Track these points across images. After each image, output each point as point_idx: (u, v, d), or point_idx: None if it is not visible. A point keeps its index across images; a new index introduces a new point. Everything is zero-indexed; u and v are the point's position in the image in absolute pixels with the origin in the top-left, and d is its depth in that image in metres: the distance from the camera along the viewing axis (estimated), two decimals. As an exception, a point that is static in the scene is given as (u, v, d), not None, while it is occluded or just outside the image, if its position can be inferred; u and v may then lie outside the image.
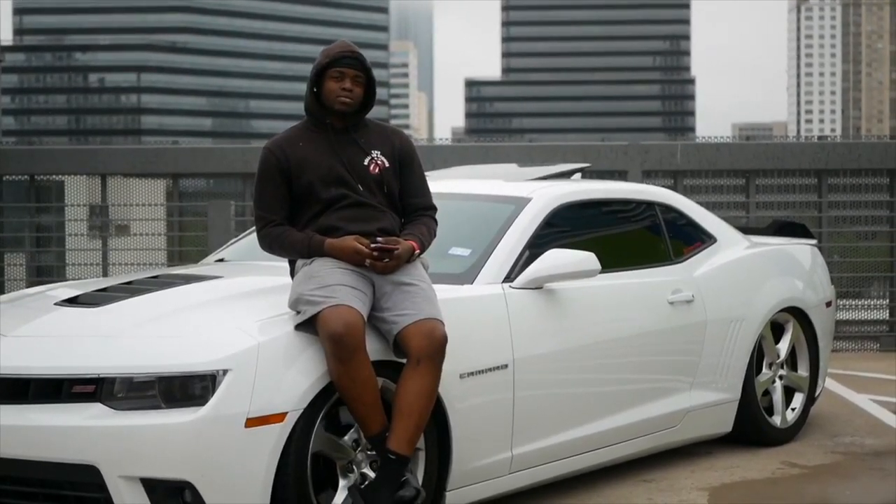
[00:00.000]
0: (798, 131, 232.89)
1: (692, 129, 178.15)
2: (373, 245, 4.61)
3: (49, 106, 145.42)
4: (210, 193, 11.81)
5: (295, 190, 4.80)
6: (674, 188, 10.35)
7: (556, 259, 5.38)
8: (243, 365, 4.31)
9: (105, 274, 11.25)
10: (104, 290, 5.19)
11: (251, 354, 4.34)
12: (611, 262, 5.78)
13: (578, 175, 6.78)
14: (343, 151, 4.81)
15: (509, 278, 5.36)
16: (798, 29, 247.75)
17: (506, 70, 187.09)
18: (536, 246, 5.56)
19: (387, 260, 4.62)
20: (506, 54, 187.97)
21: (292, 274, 4.83)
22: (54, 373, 4.39)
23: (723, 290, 6.45)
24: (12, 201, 11.92)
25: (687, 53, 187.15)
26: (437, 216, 5.02)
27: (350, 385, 4.40)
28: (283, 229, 4.79)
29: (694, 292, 6.24)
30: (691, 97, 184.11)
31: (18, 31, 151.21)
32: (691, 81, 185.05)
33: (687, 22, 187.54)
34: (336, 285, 4.52)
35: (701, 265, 6.47)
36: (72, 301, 5.03)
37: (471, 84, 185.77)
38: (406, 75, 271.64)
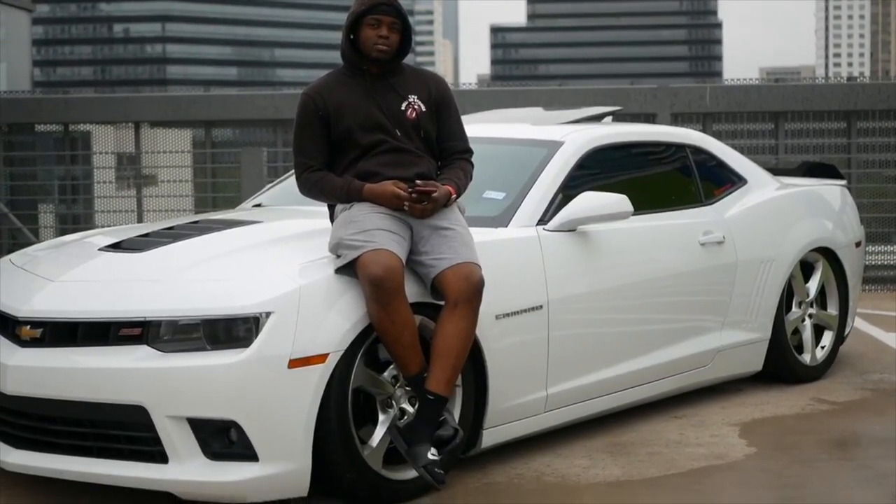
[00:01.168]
0: (826, 75, 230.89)
1: (719, 74, 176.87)
2: (411, 189, 4.69)
3: (74, 57, 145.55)
4: (240, 142, 11.92)
5: (333, 136, 4.88)
6: (703, 131, 10.38)
7: (588, 201, 5.46)
8: (286, 307, 4.41)
9: (140, 221, 11.38)
10: (146, 235, 5.30)
11: (293, 297, 4.44)
12: (643, 205, 5.86)
13: (609, 119, 6.85)
14: (381, 97, 4.88)
15: (543, 221, 5.44)
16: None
17: (531, 16, 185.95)
18: (569, 189, 5.64)
19: (425, 203, 4.70)
20: (531, 0, 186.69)
21: (332, 218, 4.92)
22: (101, 316, 4.51)
23: (753, 231, 6.51)
24: (43, 151, 12.05)
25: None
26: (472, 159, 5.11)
27: (389, 327, 4.50)
28: (322, 174, 4.88)
29: (724, 233, 6.31)
30: (718, 41, 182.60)
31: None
32: (718, 25, 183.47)
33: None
34: (375, 230, 4.61)
35: (731, 206, 6.53)
36: (115, 246, 5.14)
37: (496, 30, 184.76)
38: (431, 23, 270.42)
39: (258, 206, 6.24)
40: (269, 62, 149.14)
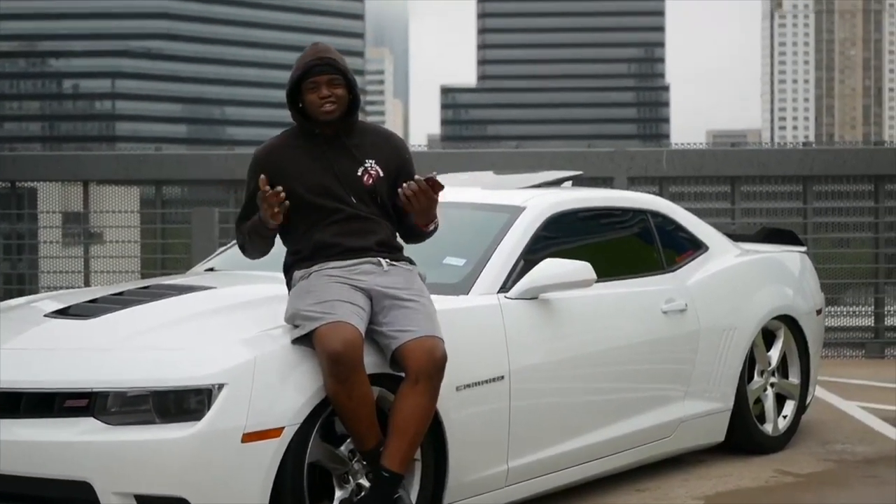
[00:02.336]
0: (772, 138, 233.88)
1: (667, 136, 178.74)
2: (424, 178, 4.58)
3: (23, 112, 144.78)
4: (191, 201, 11.74)
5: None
6: (659, 195, 10.33)
7: (551, 269, 5.34)
8: (239, 379, 4.24)
9: (87, 283, 11.14)
10: (95, 301, 5.11)
11: (247, 368, 4.27)
12: (605, 271, 5.75)
13: (569, 183, 6.75)
14: (335, 162, 4.71)
15: (504, 288, 5.31)
16: (772, 36, 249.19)
17: (481, 77, 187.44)
18: (531, 255, 5.52)
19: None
20: (481, 62, 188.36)
21: (289, 286, 4.76)
22: (46, 387, 4.32)
23: (715, 298, 6.42)
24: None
25: (661, 60, 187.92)
26: None
27: (346, 402, 4.33)
28: (243, 225, 4.73)
29: (687, 301, 6.21)
30: (666, 104, 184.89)
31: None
32: (666, 88, 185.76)
33: (661, 29, 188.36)
34: (334, 301, 4.45)
35: (693, 274, 6.43)
36: (62, 312, 4.95)
37: (446, 91, 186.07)
38: (382, 82, 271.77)
39: (211, 270, 6.07)
40: (220, 120, 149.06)
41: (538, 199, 5.85)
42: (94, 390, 4.25)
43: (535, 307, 5.35)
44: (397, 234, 4.83)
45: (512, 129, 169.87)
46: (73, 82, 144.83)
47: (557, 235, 5.81)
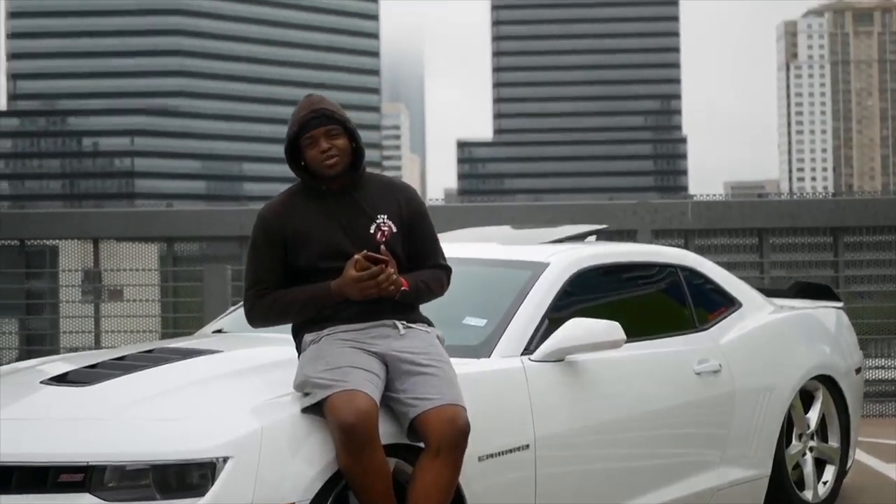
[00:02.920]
0: (790, 189, 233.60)
1: (685, 188, 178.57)
2: (364, 255, 4.26)
3: (43, 170, 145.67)
4: (205, 257, 11.50)
5: (292, 262, 4.42)
6: (684, 248, 10.03)
7: (578, 329, 5.03)
8: (246, 451, 3.94)
9: (97, 342, 10.88)
10: (94, 366, 4.82)
11: (254, 439, 3.96)
12: (634, 331, 5.43)
13: (593, 237, 6.46)
14: (346, 220, 4.42)
15: (528, 350, 5.00)
16: (788, 87, 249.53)
17: (497, 131, 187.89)
18: (556, 314, 5.21)
19: (379, 275, 4.24)
20: (497, 115, 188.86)
21: (298, 350, 4.46)
22: (39, 460, 4.01)
23: (751, 358, 6.10)
24: (3, 267, 11.59)
25: (678, 112, 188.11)
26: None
27: (361, 476, 4.02)
28: (274, 295, 4.41)
29: (721, 361, 5.88)
30: (683, 156, 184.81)
31: (13, 97, 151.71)
32: (683, 140, 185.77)
33: (678, 81, 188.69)
34: (347, 367, 4.15)
35: (727, 332, 6.11)
36: (60, 379, 4.66)
37: (463, 145, 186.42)
38: (398, 137, 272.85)
39: (219, 331, 5.78)
40: (238, 176, 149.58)
41: (562, 255, 5.55)
42: (91, 464, 3.94)
43: (561, 370, 5.04)
44: None
45: (529, 182, 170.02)
46: (92, 140, 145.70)
47: (583, 293, 5.50)
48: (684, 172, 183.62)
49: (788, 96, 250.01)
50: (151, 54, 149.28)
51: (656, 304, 6.08)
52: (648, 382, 5.50)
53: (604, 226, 6.42)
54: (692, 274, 6.20)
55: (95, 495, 3.91)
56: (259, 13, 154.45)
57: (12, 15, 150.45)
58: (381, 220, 4.44)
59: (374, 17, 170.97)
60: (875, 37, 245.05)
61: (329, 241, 4.37)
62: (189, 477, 3.90)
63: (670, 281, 6.09)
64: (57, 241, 11.55)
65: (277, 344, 4.94)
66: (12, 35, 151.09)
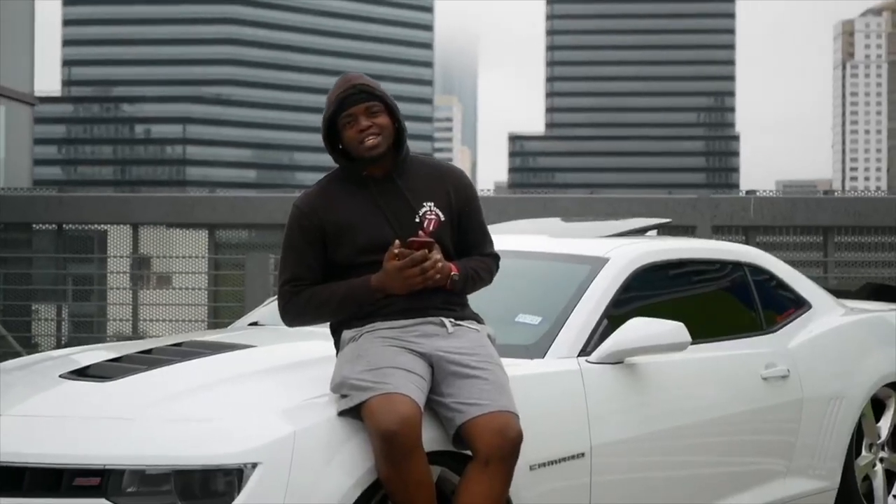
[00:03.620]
0: (843, 188, 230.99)
1: (736, 185, 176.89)
2: (408, 241, 3.90)
3: (95, 157, 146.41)
4: (252, 245, 11.19)
5: (332, 257, 4.06)
6: (745, 244, 9.62)
7: (640, 329, 4.66)
8: (276, 458, 3.60)
9: (135, 330, 10.60)
10: (118, 359, 4.50)
11: (285, 445, 3.62)
12: (698, 332, 5.04)
13: (653, 232, 6.07)
14: (389, 209, 4.05)
15: (585, 351, 4.64)
16: (844, 86, 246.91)
17: (549, 125, 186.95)
18: (616, 313, 4.84)
19: (426, 260, 3.89)
20: (549, 109, 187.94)
21: (337, 348, 4.12)
22: (53, 462, 3.69)
23: (820, 363, 5.70)
24: (42, 250, 11.35)
25: (732, 110, 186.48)
26: (501, 277, 4.32)
27: (401, 488, 3.66)
28: (310, 291, 4.06)
29: (789, 366, 5.49)
30: (735, 153, 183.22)
31: (67, 83, 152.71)
32: (735, 138, 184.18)
33: (732, 79, 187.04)
34: (388, 368, 3.79)
35: (795, 335, 5.72)
36: (79, 373, 4.34)
37: (514, 138, 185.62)
38: (450, 129, 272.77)
39: (254, 324, 5.44)
40: (289, 165, 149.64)
41: (623, 250, 5.18)
42: (108, 467, 3.62)
43: (621, 373, 4.67)
44: None
45: (580, 176, 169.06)
46: (145, 127, 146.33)
47: (645, 290, 5.13)
48: (736, 170, 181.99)
49: (844, 95, 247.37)
50: (204, 42, 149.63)
51: (721, 304, 5.69)
52: (712, 387, 5.12)
53: (666, 220, 6.03)
54: (759, 272, 5.81)
55: (113, 500, 3.59)
56: (313, 3, 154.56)
57: (66, 2, 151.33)
58: (428, 208, 4.08)
59: (429, 8, 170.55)
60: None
61: (371, 233, 4.01)
62: (214, 484, 3.58)
63: (736, 279, 5.70)
64: (105, 225, 11.28)
65: (315, 338, 4.60)
66: (67, 22, 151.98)
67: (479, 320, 4.15)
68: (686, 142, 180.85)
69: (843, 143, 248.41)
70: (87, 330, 11.25)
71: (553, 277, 5.05)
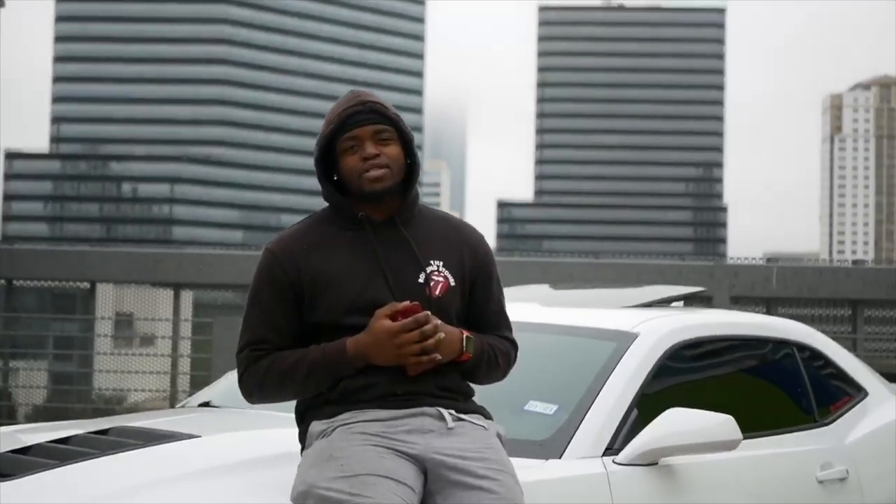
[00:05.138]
0: (830, 261, 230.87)
1: (724, 256, 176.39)
2: (400, 307, 3.03)
3: (82, 214, 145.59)
4: (224, 307, 10.26)
5: (309, 317, 3.16)
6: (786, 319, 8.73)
7: (679, 423, 3.75)
8: None
9: (83, 400, 9.61)
10: (28, 448, 3.57)
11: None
12: (744, 424, 4.12)
13: (680, 304, 5.18)
14: (388, 262, 3.16)
15: (612, 449, 3.73)
16: (831, 159, 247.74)
17: (538, 192, 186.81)
18: (647, 401, 3.94)
19: (426, 338, 3.01)
20: (538, 177, 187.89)
21: (303, 444, 3.19)
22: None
23: (883, 463, 4.79)
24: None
25: (720, 181, 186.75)
26: None
27: None
28: (273, 356, 3.14)
29: (848, 467, 4.58)
30: (723, 224, 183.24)
31: (55, 140, 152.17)
32: (723, 209, 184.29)
33: (720, 150, 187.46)
34: (369, 475, 2.88)
35: (852, 429, 4.81)
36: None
37: (502, 205, 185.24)
38: (438, 194, 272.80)
39: (206, 404, 4.51)
40: (276, 227, 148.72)
41: (654, 323, 4.27)
42: None
43: (655, 477, 3.75)
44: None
45: (568, 244, 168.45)
46: (132, 186, 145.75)
47: (681, 374, 4.23)
48: (724, 241, 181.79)
49: (832, 168, 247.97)
50: (195, 103, 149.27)
51: (769, 391, 4.77)
52: (762, 493, 4.20)
53: (700, 288, 5.14)
54: (810, 353, 4.90)
55: None
56: (303, 67, 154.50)
57: (57, 59, 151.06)
58: (436, 268, 3.18)
59: (419, 74, 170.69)
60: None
61: (361, 289, 3.12)
62: None
63: (785, 361, 4.79)
64: (84, 283, 10.35)
65: (280, 426, 3.68)
66: (57, 79, 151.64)
67: (486, 414, 3.23)
68: (674, 212, 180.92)
69: (831, 215, 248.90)
70: (35, 396, 10.34)
71: (570, 356, 4.14)
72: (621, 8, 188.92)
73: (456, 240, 3.26)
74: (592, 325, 4.29)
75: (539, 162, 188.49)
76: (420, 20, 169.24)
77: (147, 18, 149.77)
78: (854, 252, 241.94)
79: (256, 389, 3.19)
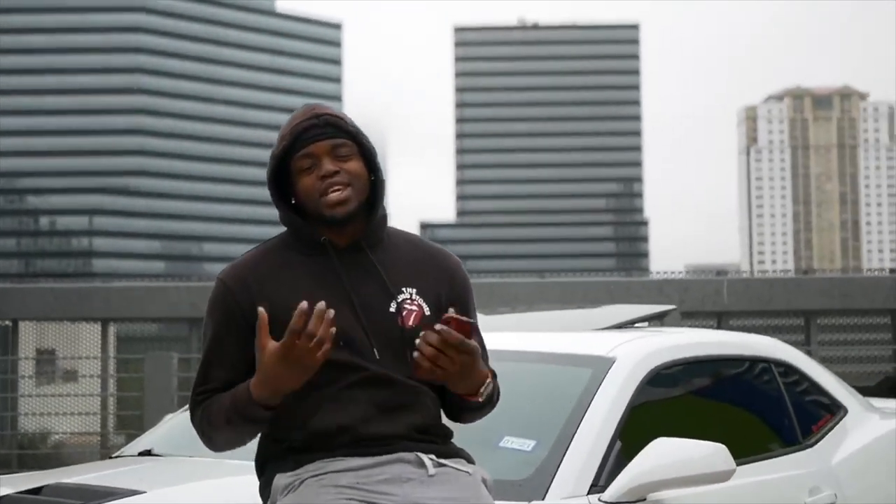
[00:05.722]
0: (751, 272, 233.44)
1: (646, 270, 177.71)
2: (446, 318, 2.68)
3: (0, 249, 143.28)
4: (155, 340, 9.83)
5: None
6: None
7: (668, 454, 3.46)
8: None
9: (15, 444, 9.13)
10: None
11: None
12: (731, 451, 3.85)
13: (645, 324, 4.90)
14: (354, 291, 2.83)
15: (597, 486, 3.43)
16: (748, 170, 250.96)
17: (460, 213, 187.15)
18: (629, 431, 3.64)
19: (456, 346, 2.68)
20: (460, 196, 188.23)
21: (264, 497, 2.84)
22: None
23: (869, 485, 4.53)
24: None
25: (640, 195, 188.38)
26: None
27: None
28: (210, 401, 2.80)
29: (836, 490, 4.32)
30: (644, 239, 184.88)
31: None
32: (644, 223, 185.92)
33: (639, 164, 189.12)
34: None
35: (836, 449, 4.55)
36: None
37: (426, 226, 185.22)
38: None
39: (147, 453, 4.12)
40: (198, 256, 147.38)
41: (630, 347, 3.98)
42: None
43: (645, 514, 3.45)
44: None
45: (492, 263, 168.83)
46: (50, 219, 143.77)
47: (662, 400, 3.94)
48: (646, 255, 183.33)
49: (749, 180, 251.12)
50: (112, 133, 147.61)
51: (752, 413, 4.50)
52: (753, 525, 3.92)
53: (671, 306, 4.86)
54: (788, 370, 4.63)
55: None
56: (221, 93, 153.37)
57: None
58: (408, 296, 2.85)
59: (338, 98, 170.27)
60: (834, 122, 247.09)
61: None
62: None
63: (765, 381, 4.52)
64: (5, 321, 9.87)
65: (232, 473, 3.33)
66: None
67: (468, 458, 2.90)
68: (595, 227, 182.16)
69: (750, 226, 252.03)
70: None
71: (544, 385, 3.84)
72: (536, 27, 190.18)
73: (430, 265, 2.94)
74: (564, 350, 3.99)
75: (460, 182, 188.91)
76: (337, 44, 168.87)
77: (60, 49, 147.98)
78: (774, 262, 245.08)
79: (204, 438, 2.86)
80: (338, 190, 2.80)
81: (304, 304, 2.59)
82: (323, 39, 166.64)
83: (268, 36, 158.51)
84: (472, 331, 2.73)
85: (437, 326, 2.66)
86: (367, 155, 2.87)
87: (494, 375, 2.92)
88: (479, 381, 2.83)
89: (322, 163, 2.81)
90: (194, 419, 2.84)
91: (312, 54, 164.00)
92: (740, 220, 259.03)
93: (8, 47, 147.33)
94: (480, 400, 2.86)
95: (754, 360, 4.52)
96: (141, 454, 4.10)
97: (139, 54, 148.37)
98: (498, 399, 2.98)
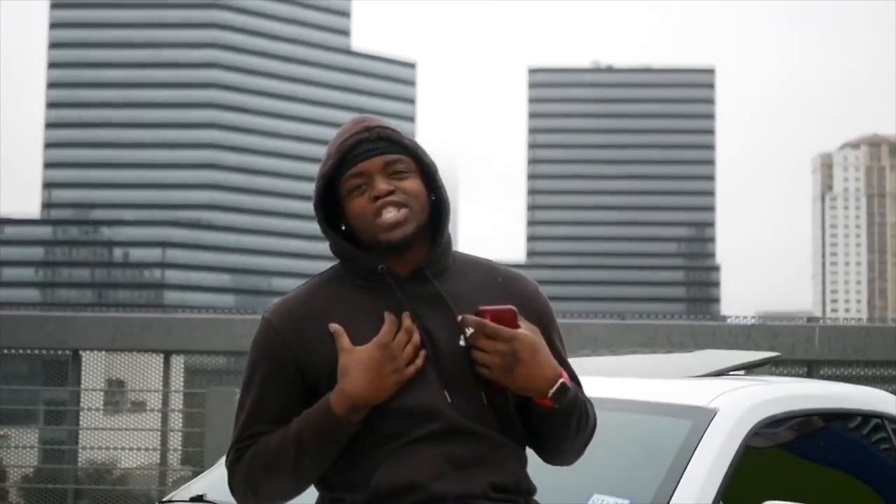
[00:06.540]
0: (840, 319, 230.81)
1: (717, 317, 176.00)
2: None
3: (73, 280, 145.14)
4: (223, 372, 9.55)
5: (315, 400, 2.46)
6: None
7: (779, 521, 3.06)
8: None
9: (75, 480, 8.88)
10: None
11: None
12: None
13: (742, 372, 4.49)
14: (426, 322, 2.47)
15: (699, 554, 3.03)
16: (823, 218, 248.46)
17: (530, 254, 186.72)
18: (733, 491, 3.24)
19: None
20: (530, 238, 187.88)
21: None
22: None
23: None
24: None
25: (712, 240, 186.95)
26: None
27: None
28: (255, 447, 2.46)
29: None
30: (716, 284, 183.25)
31: (46, 205, 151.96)
32: (716, 268, 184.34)
33: (712, 209, 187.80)
34: None
35: (959, 519, 4.10)
36: None
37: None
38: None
39: (199, 498, 3.78)
40: (267, 291, 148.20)
41: (734, 396, 3.59)
42: None
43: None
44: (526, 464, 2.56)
45: (561, 305, 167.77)
46: (123, 251, 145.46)
47: (768, 457, 3.54)
48: (717, 300, 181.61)
49: (823, 227, 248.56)
50: (184, 167, 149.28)
51: (865, 475, 4.07)
52: None
53: (775, 353, 4.45)
54: (902, 427, 4.21)
55: None
56: (292, 129, 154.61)
57: (49, 125, 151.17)
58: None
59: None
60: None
61: None
62: None
63: (878, 438, 4.09)
64: (68, 351, 9.68)
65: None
66: (48, 145, 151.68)
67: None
68: (666, 272, 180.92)
69: (823, 274, 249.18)
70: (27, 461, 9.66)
71: (639, 437, 3.46)
72: (611, 69, 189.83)
73: (504, 293, 2.55)
74: (659, 399, 3.60)
75: (531, 223, 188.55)
76: (411, 83, 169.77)
77: (136, 84, 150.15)
78: (847, 310, 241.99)
79: (249, 491, 2.49)
80: (393, 208, 2.45)
81: (392, 316, 2.36)
82: (397, 78, 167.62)
83: (342, 74, 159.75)
84: (514, 318, 2.39)
85: (464, 318, 2.38)
86: (426, 172, 2.52)
87: (577, 381, 2.55)
88: (547, 378, 2.45)
89: (374, 182, 2.47)
90: (237, 473, 2.48)
91: (386, 93, 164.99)
92: (814, 267, 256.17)
93: (86, 81, 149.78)
94: (554, 406, 2.47)
95: (866, 415, 4.10)
96: (192, 500, 3.75)
97: (213, 90, 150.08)
98: (588, 417, 2.59)
